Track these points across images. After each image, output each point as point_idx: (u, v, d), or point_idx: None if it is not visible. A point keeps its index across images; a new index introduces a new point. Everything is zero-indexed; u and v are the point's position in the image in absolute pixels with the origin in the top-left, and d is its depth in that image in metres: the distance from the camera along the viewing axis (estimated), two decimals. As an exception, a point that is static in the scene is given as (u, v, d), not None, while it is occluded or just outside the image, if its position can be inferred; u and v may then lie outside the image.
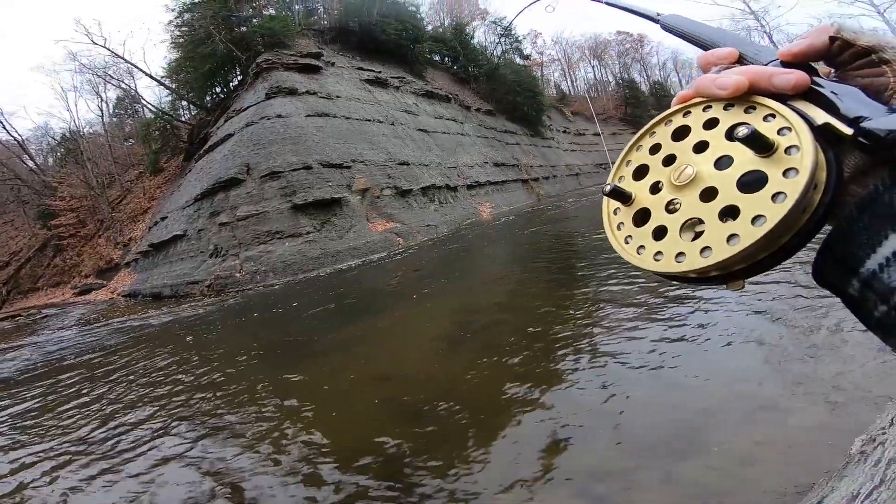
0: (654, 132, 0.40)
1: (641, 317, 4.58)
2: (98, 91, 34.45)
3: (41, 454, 4.16)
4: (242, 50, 23.09)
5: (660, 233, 0.35)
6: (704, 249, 0.31)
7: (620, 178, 0.40)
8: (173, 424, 4.30)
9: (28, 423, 5.19)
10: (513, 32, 47.63)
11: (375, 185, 17.89)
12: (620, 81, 59.94)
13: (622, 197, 0.38)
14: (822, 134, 0.31)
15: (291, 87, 19.81)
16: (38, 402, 5.98)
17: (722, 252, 0.30)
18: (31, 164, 34.58)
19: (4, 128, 32.67)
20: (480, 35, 46.51)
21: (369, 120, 21.53)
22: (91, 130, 36.50)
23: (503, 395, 3.54)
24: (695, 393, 3.01)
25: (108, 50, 28.73)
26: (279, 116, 18.20)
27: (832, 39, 0.34)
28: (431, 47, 36.02)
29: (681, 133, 0.37)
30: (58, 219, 28.16)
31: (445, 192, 21.70)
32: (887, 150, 0.28)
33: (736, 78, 0.34)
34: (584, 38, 62.42)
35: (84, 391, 6.06)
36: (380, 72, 26.54)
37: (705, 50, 0.41)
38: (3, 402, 6.26)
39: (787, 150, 0.30)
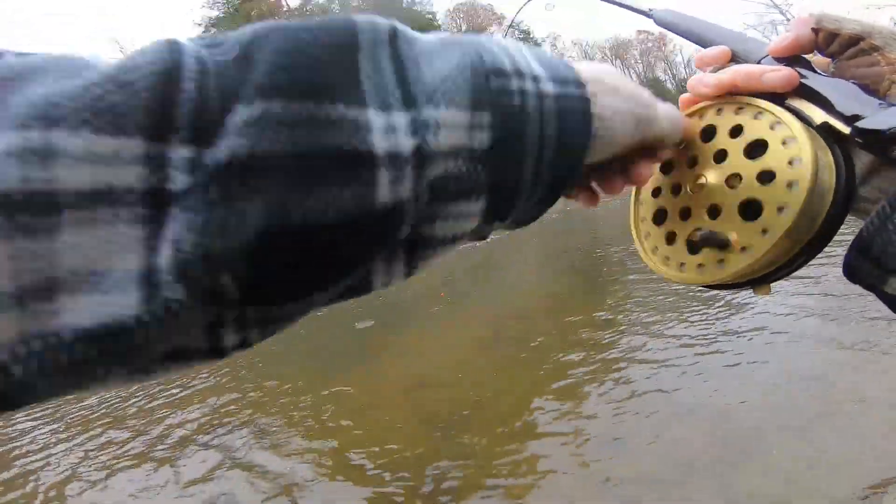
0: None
1: (689, 330, 4.41)
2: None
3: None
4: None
5: (671, 238, 0.34)
6: (699, 266, 0.31)
7: None
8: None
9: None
10: (531, 36, 47.39)
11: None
12: (644, 81, 58.77)
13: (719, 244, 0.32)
14: (828, 134, 0.28)
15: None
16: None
17: (713, 273, 0.30)
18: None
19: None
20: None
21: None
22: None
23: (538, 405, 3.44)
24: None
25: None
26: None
27: (816, 31, 0.31)
28: (449, 55, 36.45)
29: (708, 133, 0.34)
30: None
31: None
32: (884, 150, 0.26)
33: (717, 76, 0.33)
34: (604, 39, 61.79)
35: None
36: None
37: (702, 46, 0.39)
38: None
39: (791, 163, 0.28)
